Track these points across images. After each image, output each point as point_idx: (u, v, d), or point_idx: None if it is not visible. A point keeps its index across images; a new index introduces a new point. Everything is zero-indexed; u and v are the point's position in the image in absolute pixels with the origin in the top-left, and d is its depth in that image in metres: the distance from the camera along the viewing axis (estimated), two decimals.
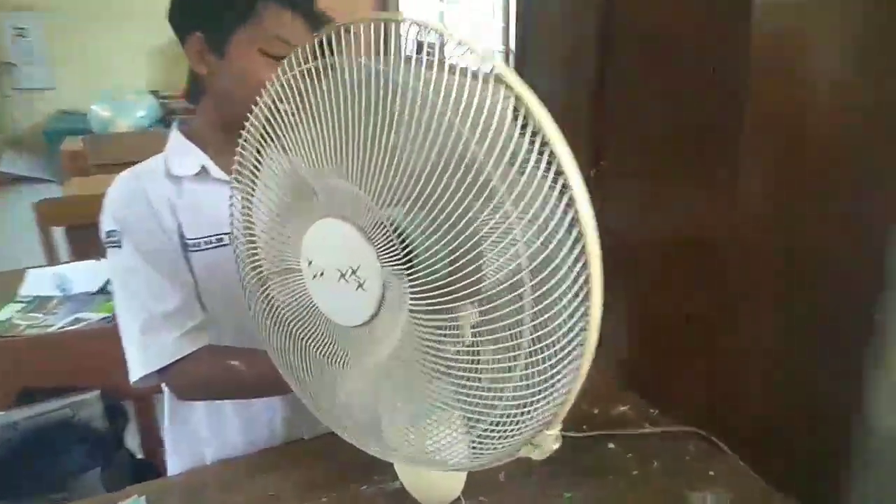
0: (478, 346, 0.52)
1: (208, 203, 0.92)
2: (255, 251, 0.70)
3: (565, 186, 0.48)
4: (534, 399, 0.52)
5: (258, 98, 0.65)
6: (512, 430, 0.55)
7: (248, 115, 0.88)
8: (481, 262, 0.49)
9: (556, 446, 0.58)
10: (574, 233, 0.48)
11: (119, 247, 0.90)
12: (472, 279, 0.50)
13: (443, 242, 0.51)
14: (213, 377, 0.91)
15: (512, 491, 0.86)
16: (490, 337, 0.51)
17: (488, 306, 0.50)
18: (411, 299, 0.54)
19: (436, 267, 0.51)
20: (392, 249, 0.54)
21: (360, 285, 0.56)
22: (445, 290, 0.51)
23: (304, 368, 0.68)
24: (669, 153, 1.15)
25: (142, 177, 0.94)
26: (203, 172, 0.95)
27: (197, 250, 0.93)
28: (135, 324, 0.89)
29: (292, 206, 0.63)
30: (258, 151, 0.67)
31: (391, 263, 0.54)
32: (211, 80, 0.92)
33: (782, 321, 1.11)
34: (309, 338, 0.66)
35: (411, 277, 0.53)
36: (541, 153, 0.47)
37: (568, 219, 0.48)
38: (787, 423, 1.08)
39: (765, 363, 1.10)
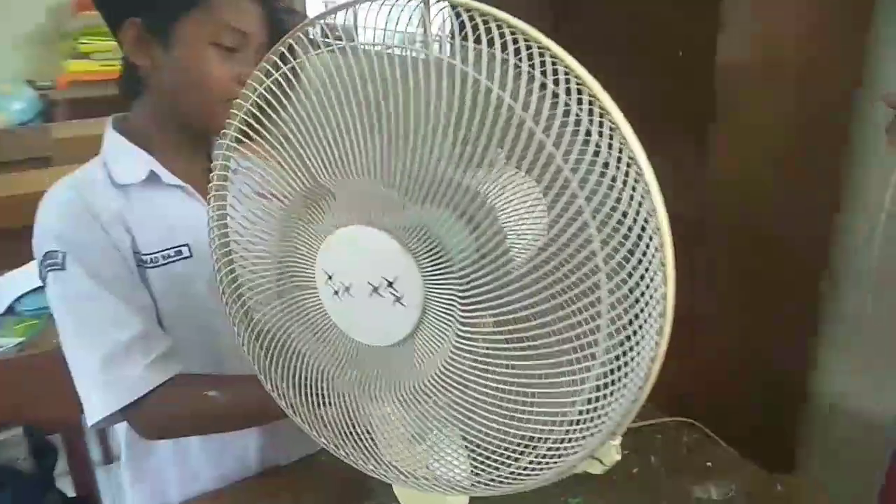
0: (549, 358, 0.47)
1: (162, 212, 0.83)
2: (235, 270, 0.62)
3: (638, 175, 0.44)
4: (606, 409, 0.48)
5: (237, 97, 0.56)
6: (576, 446, 0.50)
7: (204, 114, 0.80)
8: (554, 264, 0.44)
9: (618, 457, 0.54)
10: (649, 227, 0.44)
11: (62, 269, 0.77)
12: (542, 284, 0.45)
13: (500, 247, 0.46)
14: (187, 411, 0.80)
15: (512, 500, 0.82)
16: (563, 347, 0.46)
17: (562, 312, 0.45)
18: (462, 312, 0.48)
19: (497, 273, 0.46)
20: (436, 257, 0.48)
21: (398, 300, 0.50)
22: (511, 299, 0.46)
23: (309, 395, 0.61)
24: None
25: (81, 188, 0.81)
26: (153, 178, 0.84)
27: (154, 266, 0.82)
28: (93, 359, 0.76)
29: (299, 215, 0.55)
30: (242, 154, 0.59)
31: (437, 273, 0.48)
32: (154, 73, 0.81)
33: (746, 300, 1.14)
34: (320, 362, 0.58)
35: (463, 288, 0.47)
36: (610, 137, 0.43)
37: (643, 213, 0.44)
38: (747, 394, 1.12)
39: (731, 342, 1.13)
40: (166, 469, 0.90)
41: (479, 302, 0.47)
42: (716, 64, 0.95)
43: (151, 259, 0.82)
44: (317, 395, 0.60)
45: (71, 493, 1.24)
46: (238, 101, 0.56)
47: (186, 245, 0.84)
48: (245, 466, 0.91)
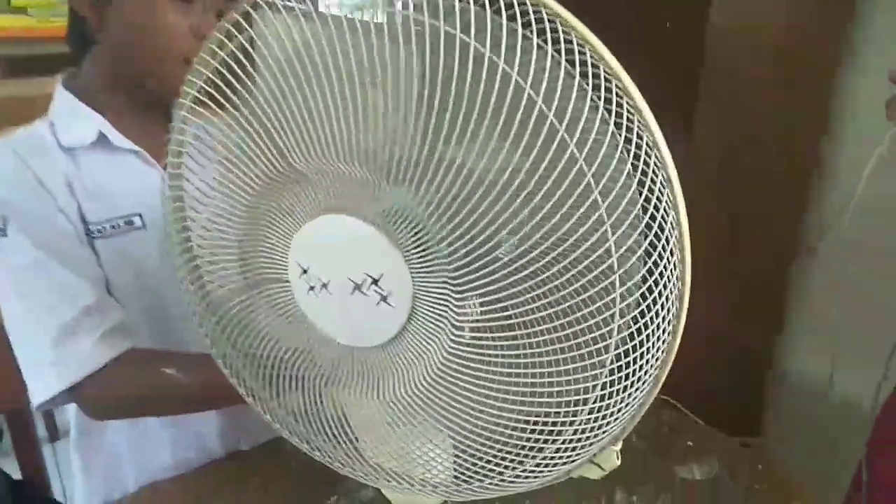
0: (559, 355, 0.42)
1: (112, 178, 0.76)
2: (193, 249, 0.56)
3: (650, 147, 0.39)
4: (614, 411, 0.44)
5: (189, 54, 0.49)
6: (579, 452, 0.46)
7: (158, 73, 0.72)
8: (561, 249, 0.39)
9: (618, 463, 0.51)
10: (669, 218, 0.40)
11: (4, 236, 0.69)
12: (550, 273, 0.40)
13: (497, 233, 0.41)
14: (141, 389, 0.73)
15: None
16: (578, 340, 0.41)
17: (576, 300, 0.40)
18: (457, 312, 0.43)
19: (493, 266, 0.41)
20: (426, 250, 0.43)
21: (384, 298, 0.45)
22: (514, 292, 0.41)
23: (281, 394, 0.56)
24: None
25: (22, 151, 0.73)
26: (103, 141, 0.76)
27: (101, 237, 0.75)
28: (43, 335, 0.69)
29: (270, 198, 0.49)
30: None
31: (426, 268, 0.43)
32: (102, 26, 0.73)
33: (724, 279, 1.14)
34: (292, 361, 0.53)
35: (457, 283, 0.42)
36: (619, 104, 0.38)
37: (655, 195, 0.39)
38: (716, 371, 1.13)
39: (698, 319, 1.14)
40: (120, 452, 0.84)
41: (476, 297, 0.42)
42: (705, 34, 0.91)
43: (99, 229, 0.75)
44: (285, 383, 0.55)
45: (17, 474, 1.17)
46: (197, 63, 0.49)
47: (138, 215, 0.77)
48: (205, 449, 0.85)
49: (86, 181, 0.75)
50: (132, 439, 0.84)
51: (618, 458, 0.49)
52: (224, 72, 0.47)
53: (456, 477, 0.50)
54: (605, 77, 0.38)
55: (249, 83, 0.46)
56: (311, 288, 0.47)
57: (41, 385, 0.70)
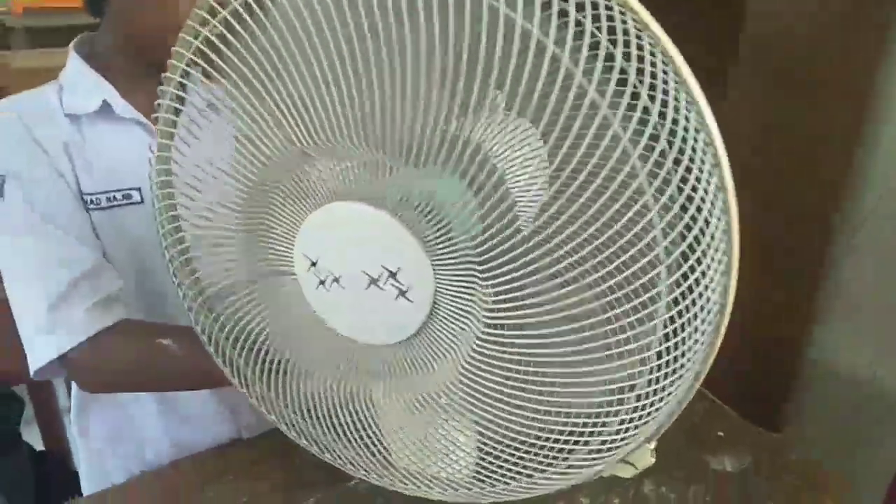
0: (603, 352, 0.39)
1: (111, 148, 0.73)
2: (185, 241, 0.52)
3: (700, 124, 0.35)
4: (651, 412, 0.41)
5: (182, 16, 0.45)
6: (613, 452, 0.43)
7: (162, 39, 0.67)
8: (604, 237, 0.35)
9: (652, 461, 0.48)
10: (718, 201, 0.36)
11: (0, 197, 0.66)
12: (593, 262, 0.36)
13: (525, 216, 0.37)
14: (136, 361, 0.69)
15: None
16: (625, 335, 0.38)
17: (621, 293, 0.37)
18: (485, 303, 0.40)
19: (528, 256, 0.37)
20: (449, 238, 0.39)
21: (403, 293, 0.41)
22: (550, 285, 0.37)
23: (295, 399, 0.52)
24: None
25: (24, 112, 0.71)
26: (106, 109, 0.73)
27: (96, 208, 0.71)
28: (40, 300, 0.66)
29: (274, 183, 0.45)
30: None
31: (449, 258, 0.39)
32: None
33: (756, 266, 1.11)
34: (299, 359, 0.49)
35: (486, 275, 0.39)
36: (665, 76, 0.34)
37: (711, 182, 0.36)
38: (749, 360, 1.10)
39: (740, 308, 1.11)
40: (118, 432, 0.80)
41: (509, 290, 0.38)
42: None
43: (94, 199, 0.71)
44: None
45: (40, 445, 1.13)
46: (191, 20, 0.44)
47: (137, 189, 0.73)
48: (203, 434, 0.81)
49: (87, 150, 0.72)
50: (127, 416, 0.81)
51: (652, 456, 0.46)
52: (224, 32, 0.42)
53: (481, 480, 0.47)
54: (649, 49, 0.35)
55: (252, 46, 0.41)
56: (322, 282, 0.43)
57: (38, 352, 0.67)
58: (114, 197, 0.72)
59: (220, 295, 0.51)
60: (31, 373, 0.67)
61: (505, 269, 0.37)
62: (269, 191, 0.45)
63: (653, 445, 0.46)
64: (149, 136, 0.74)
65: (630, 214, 0.35)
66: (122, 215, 0.72)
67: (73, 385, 0.81)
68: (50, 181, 0.69)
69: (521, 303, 0.38)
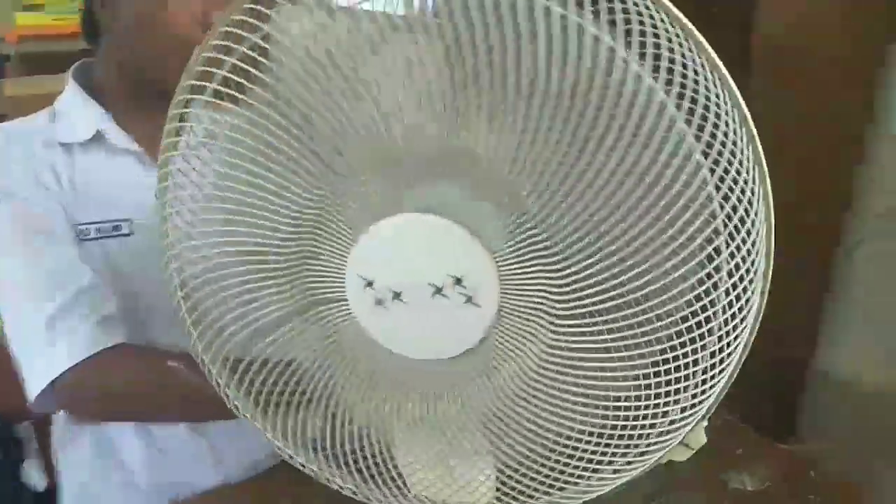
0: (661, 345, 0.40)
1: (104, 179, 0.71)
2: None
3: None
4: (711, 389, 0.43)
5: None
6: (675, 436, 0.45)
7: (160, 64, 0.64)
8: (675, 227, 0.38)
9: (705, 440, 0.49)
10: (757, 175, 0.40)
11: None
12: (662, 253, 0.38)
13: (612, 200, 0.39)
14: (146, 381, 0.65)
15: None
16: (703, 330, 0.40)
17: (685, 284, 0.39)
18: (560, 300, 0.40)
19: (608, 252, 0.38)
20: (516, 237, 0.40)
21: (469, 299, 0.41)
22: (618, 282, 0.39)
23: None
24: None
25: (15, 137, 0.72)
26: (99, 138, 0.71)
27: (86, 239, 0.70)
28: (36, 318, 0.63)
29: (317, 209, 0.44)
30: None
31: (516, 259, 0.40)
32: (109, 13, 0.69)
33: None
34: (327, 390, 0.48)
35: (558, 269, 0.39)
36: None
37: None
38: (756, 371, 1.11)
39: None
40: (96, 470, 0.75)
41: (587, 284, 0.39)
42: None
43: (83, 230, 0.70)
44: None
45: (43, 484, 1.01)
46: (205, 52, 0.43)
47: (128, 221, 0.71)
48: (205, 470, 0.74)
49: (77, 179, 0.71)
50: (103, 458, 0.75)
51: (706, 434, 0.48)
52: (245, 61, 0.41)
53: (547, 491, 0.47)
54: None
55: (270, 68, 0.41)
56: (379, 302, 0.42)
57: (36, 375, 0.63)
58: (102, 228, 0.71)
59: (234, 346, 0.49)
60: (31, 400, 0.63)
61: (585, 265, 0.39)
62: (305, 218, 0.44)
63: (705, 423, 0.47)
64: (141, 166, 0.73)
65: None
66: (110, 247, 0.71)
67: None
68: (46, 199, 0.69)
69: (594, 288, 0.39)
